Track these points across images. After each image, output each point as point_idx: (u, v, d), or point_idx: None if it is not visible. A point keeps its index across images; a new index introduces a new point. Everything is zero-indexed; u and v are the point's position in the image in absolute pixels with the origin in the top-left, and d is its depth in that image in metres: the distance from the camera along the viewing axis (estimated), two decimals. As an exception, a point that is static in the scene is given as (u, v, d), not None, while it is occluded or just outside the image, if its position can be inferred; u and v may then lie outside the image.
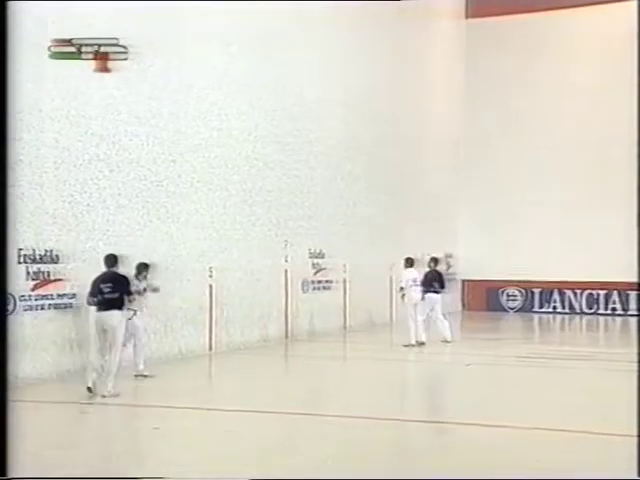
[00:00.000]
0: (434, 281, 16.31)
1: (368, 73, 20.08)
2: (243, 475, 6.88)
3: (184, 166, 14.49)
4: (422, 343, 15.87)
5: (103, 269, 10.96)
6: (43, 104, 11.74)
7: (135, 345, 12.05)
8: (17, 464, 6.11)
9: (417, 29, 23.02)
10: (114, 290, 10.58)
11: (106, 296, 10.57)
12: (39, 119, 11.67)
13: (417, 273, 16.13)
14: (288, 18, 16.86)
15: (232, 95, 15.54)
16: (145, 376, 11.91)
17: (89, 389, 10.43)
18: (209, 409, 10.01)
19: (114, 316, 10.60)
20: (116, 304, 10.61)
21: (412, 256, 16.49)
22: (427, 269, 16.49)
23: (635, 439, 6.93)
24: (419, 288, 15.97)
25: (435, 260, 16.64)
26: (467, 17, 25.59)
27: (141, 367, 12.01)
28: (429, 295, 16.12)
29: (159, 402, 10.41)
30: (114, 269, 10.83)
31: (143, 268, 12.08)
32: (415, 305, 15.97)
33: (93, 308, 10.89)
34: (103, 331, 10.61)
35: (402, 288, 16.27)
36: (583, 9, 23.92)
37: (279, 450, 8.04)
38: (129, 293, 10.74)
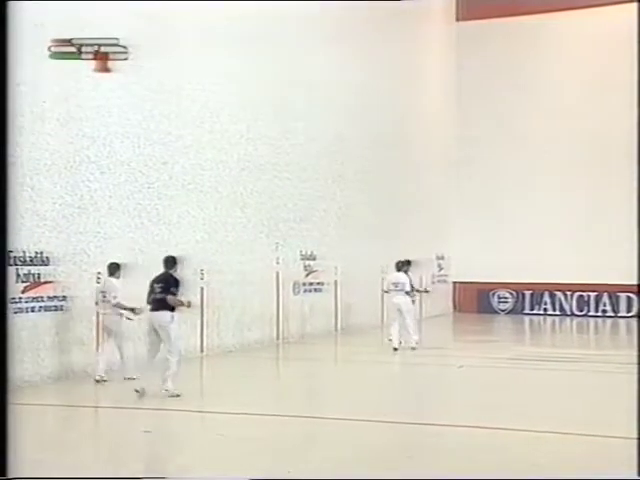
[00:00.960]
0: None
1: (359, 75, 20.07)
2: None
3: (175, 168, 14.45)
4: (412, 348, 15.67)
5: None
6: (35, 106, 11.68)
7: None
8: (16, 464, 6.11)
9: (408, 32, 23.02)
10: (164, 291, 10.75)
11: (157, 296, 10.78)
12: (30, 121, 11.60)
13: (403, 277, 15.87)
14: (279, 21, 16.83)
15: (224, 97, 15.51)
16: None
17: (137, 391, 10.56)
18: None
19: (164, 316, 10.70)
20: (167, 304, 10.74)
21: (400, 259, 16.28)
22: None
23: (627, 440, 6.95)
24: (401, 292, 15.75)
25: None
26: (458, 20, 25.62)
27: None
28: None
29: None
30: (171, 271, 11.00)
31: (115, 268, 11.91)
32: (398, 309, 15.74)
33: (147, 308, 11.13)
34: (154, 331, 10.80)
35: (386, 292, 16.28)
36: (574, 12, 23.97)
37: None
38: (173, 294, 10.78)
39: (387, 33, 21.52)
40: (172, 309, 10.79)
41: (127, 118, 13.44)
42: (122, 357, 11.98)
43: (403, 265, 16.08)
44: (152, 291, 10.89)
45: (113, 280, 11.96)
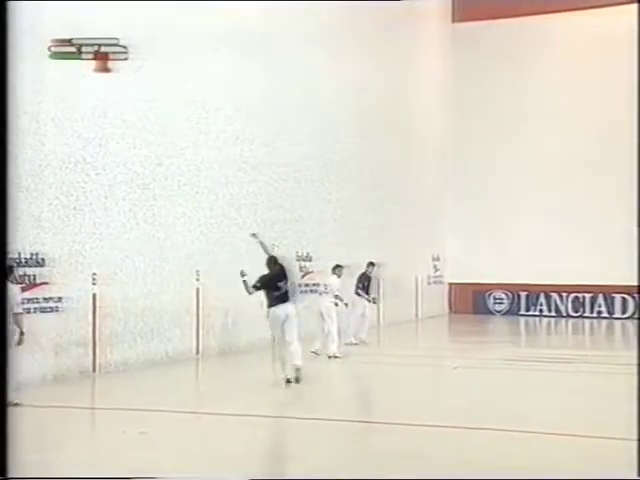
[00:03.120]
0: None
1: (354, 77, 20.06)
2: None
3: (171, 169, 14.42)
4: (330, 356, 14.75)
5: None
6: (30, 106, 11.64)
7: None
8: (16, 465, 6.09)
9: (404, 33, 23.02)
10: (286, 285, 11.90)
11: (281, 292, 11.81)
12: (25, 121, 11.56)
13: (333, 280, 15.61)
14: (275, 22, 16.84)
15: (219, 98, 15.49)
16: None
17: (288, 380, 11.59)
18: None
19: (290, 307, 11.90)
20: (288, 297, 11.92)
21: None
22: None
23: (625, 442, 6.96)
24: (329, 296, 15.46)
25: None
26: (453, 21, 25.64)
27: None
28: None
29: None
30: (277, 267, 11.95)
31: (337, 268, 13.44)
32: (320, 314, 15.36)
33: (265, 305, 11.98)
34: (282, 323, 11.78)
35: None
36: (571, 13, 24.00)
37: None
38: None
39: (383, 34, 21.53)
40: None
41: (123, 119, 13.41)
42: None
43: (335, 269, 15.97)
44: (276, 288, 11.82)
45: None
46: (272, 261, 12.11)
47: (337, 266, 15.86)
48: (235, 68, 15.79)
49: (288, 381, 11.60)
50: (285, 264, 12.25)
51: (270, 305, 11.88)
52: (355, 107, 20.29)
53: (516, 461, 7.53)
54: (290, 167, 17.69)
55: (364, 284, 17.07)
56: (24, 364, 11.09)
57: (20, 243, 11.41)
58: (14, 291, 10.16)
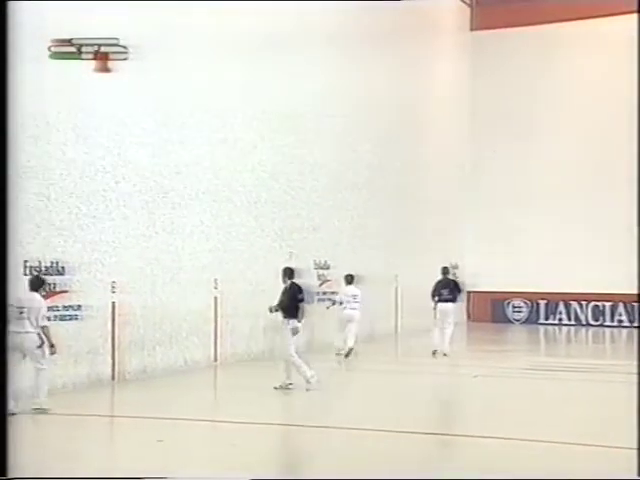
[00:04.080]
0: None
1: (372, 85, 20.18)
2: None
3: (189, 177, 14.57)
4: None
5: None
6: (50, 116, 11.84)
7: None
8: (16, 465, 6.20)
9: (422, 41, 23.13)
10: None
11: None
12: (46, 131, 11.77)
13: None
14: (293, 28, 16.93)
15: (237, 106, 15.61)
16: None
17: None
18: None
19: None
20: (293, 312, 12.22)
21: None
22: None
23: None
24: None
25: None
26: (472, 29, 25.71)
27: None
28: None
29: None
30: (292, 280, 12.35)
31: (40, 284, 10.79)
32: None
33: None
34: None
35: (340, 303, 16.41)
36: (590, 21, 24.00)
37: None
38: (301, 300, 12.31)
39: (401, 42, 21.61)
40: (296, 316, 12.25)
41: (141, 127, 13.57)
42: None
43: (348, 277, 16.41)
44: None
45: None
46: (286, 273, 12.58)
47: (349, 275, 16.48)
48: (253, 76, 15.91)
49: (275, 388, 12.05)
50: (300, 281, 12.60)
51: (289, 317, 12.37)
52: (373, 115, 20.38)
53: (534, 472, 7.59)
54: (308, 175, 17.82)
55: (451, 289, 16.66)
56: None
57: (41, 251, 11.59)
58: (42, 304, 10.37)
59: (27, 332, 10.14)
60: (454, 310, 16.61)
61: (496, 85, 24.91)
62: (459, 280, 16.84)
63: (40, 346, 10.22)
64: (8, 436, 6.35)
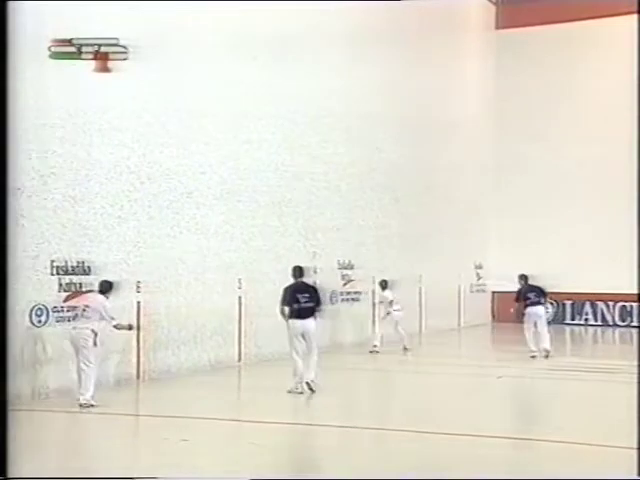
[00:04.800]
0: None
1: (396, 85, 20.25)
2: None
3: (213, 177, 14.74)
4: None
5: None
6: (75, 116, 12.05)
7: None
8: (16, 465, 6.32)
9: (447, 40, 23.17)
10: (311, 300, 11.86)
11: (303, 305, 11.81)
12: (72, 132, 11.98)
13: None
14: (317, 29, 17.04)
15: (261, 106, 15.76)
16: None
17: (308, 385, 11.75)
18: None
19: (312, 323, 11.91)
20: (313, 313, 11.91)
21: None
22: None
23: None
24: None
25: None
26: (497, 28, 25.70)
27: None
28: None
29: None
30: (304, 279, 12.09)
31: (108, 287, 11.29)
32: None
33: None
34: (302, 336, 11.81)
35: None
36: (616, 18, 23.89)
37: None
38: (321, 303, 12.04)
39: (426, 41, 21.67)
40: (316, 317, 12.01)
41: (166, 129, 13.75)
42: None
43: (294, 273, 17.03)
44: (296, 300, 11.81)
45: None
46: (296, 272, 12.22)
47: (383, 281, 17.47)
48: (277, 75, 16.04)
49: (289, 391, 11.75)
50: (313, 281, 12.58)
51: (289, 317, 11.96)
52: (397, 115, 20.43)
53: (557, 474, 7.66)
54: (331, 175, 17.93)
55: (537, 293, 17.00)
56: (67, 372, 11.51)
57: (67, 251, 11.80)
58: (105, 304, 11.04)
59: (82, 329, 10.81)
60: (544, 313, 17.07)
61: (522, 84, 24.86)
62: (542, 285, 17.08)
63: (94, 344, 10.78)
64: (8, 436, 6.46)
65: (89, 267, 12.07)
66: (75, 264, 11.91)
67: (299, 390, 11.73)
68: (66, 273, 11.73)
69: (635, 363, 13.79)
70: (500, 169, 25.29)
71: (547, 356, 16.30)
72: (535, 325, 16.68)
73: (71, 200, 12.00)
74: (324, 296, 12.37)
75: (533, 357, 16.36)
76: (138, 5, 12.60)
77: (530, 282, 17.02)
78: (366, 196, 19.29)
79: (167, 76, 13.46)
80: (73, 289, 11.88)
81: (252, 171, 15.62)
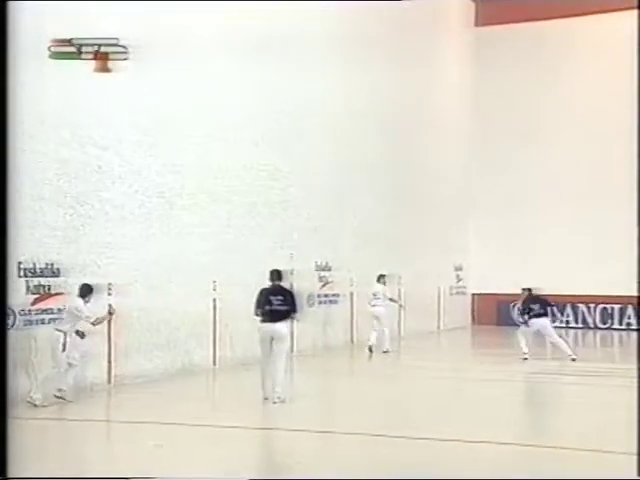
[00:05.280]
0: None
1: (375, 82, 20.16)
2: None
3: (187, 177, 14.56)
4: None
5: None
6: (45, 114, 11.82)
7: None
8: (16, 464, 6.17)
9: (426, 37, 23.11)
10: (284, 303, 11.42)
11: (275, 308, 11.39)
12: (40, 129, 11.75)
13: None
14: (292, 25, 16.92)
15: (235, 103, 15.60)
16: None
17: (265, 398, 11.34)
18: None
19: (283, 328, 11.50)
20: (285, 316, 11.48)
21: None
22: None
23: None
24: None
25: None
26: (477, 25, 25.68)
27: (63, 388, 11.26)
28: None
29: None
30: (280, 283, 11.64)
31: (87, 291, 11.48)
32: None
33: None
34: (271, 340, 11.37)
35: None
36: (596, 16, 23.95)
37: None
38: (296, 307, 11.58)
39: (404, 39, 21.59)
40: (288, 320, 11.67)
41: (138, 126, 13.56)
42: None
43: (380, 278, 17.93)
44: (269, 303, 11.41)
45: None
46: (273, 275, 11.78)
47: (381, 275, 17.68)
48: (253, 72, 15.89)
49: (265, 398, 11.32)
50: (288, 285, 12.17)
51: (260, 320, 11.55)
52: (376, 113, 20.36)
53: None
54: (309, 174, 17.79)
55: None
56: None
57: (35, 252, 11.57)
58: (79, 306, 11.26)
59: (59, 331, 11.08)
60: (549, 324, 17.02)
61: (503, 82, 24.85)
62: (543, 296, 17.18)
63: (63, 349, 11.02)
64: (8, 436, 6.42)
65: (58, 269, 11.85)
66: (43, 266, 11.68)
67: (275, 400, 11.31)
68: (34, 275, 11.50)
69: (621, 366, 13.84)
70: (482, 169, 25.25)
71: (574, 359, 16.27)
72: (538, 333, 16.84)
73: (39, 200, 11.76)
74: (300, 300, 11.96)
75: (525, 359, 16.34)
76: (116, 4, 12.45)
77: (534, 293, 17.15)
78: (344, 196, 19.17)
79: (138, 74, 13.22)
80: (42, 292, 11.66)
81: (227, 170, 15.46)
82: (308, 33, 17.51)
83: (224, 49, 15.08)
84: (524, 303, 17.07)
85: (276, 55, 16.45)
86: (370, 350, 17.25)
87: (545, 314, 16.83)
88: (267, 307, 11.45)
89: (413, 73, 22.19)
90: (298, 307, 11.67)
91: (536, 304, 16.81)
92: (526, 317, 16.81)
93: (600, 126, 23.72)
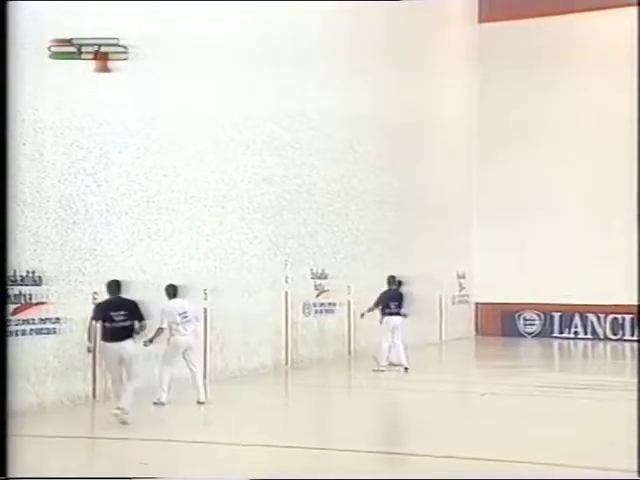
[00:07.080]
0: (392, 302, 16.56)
1: (374, 81, 20.15)
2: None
3: (177, 181, 14.54)
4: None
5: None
6: (26, 114, 11.79)
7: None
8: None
9: (428, 34, 23.12)
10: (128, 318, 10.83)
11: (115, 325, 10.79)
12: (21, 130, 11.71)
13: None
14: (286, 28, 16.95)
15: (228, 106, 15.59)
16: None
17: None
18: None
19: (130, 346, 10.93)
20: (131, 333, 10.90)
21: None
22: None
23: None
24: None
25: (395, 280, 16.83)
26: (480, 21, 25.71)
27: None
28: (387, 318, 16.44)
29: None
30: (121, 295, 11.05)
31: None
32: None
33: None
34: (118, 362, 10.87)
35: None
36: (602, 12, 23.96)
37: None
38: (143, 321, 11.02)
39: (405, 35, 21.58)
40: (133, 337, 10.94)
41: (126, 127, 13.54)
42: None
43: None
44: (110, 319, 10.77)
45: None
46: (112, 287, 11.07)
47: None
48: (246, 75, 15.88)
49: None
50: (132, 298, 11.16)
51: (101, 339, 10.97)
52: (374, 114, 20.33)
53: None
54: (303, 179, 17.76)
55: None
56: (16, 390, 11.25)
57: (16, 260, 11.50)
58: None
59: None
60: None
61: (506, 80, 24.82)
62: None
63: None
64: (8, 436, 6.52)
65: (40, 277, 11.81)
66: (24, 274, 11.65)
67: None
68: (14, 283, 11.45)
69: (632, 380, 13.78)
70: (486, 174, 25.21)
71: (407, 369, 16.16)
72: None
73: (20, 204, 11.72)
74: (145, 313, 11.08)
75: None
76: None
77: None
78: (341, 200, 19.13)
79: (128, 76, 13.23)
80: (22, 301, 11.62)
81: (219, 174, 15.44)
82: (306, 34, 17.52)
83: (218, 53, 15.06)
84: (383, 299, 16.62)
85: (273, 58, 16.48)
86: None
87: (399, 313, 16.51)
88: (108, 324, 10.79)
89: (415, 73, 22.16)
90: (143, 320, 11.00)
91: (395, 301, 16.54)
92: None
93: (610, 131, 23.60)
